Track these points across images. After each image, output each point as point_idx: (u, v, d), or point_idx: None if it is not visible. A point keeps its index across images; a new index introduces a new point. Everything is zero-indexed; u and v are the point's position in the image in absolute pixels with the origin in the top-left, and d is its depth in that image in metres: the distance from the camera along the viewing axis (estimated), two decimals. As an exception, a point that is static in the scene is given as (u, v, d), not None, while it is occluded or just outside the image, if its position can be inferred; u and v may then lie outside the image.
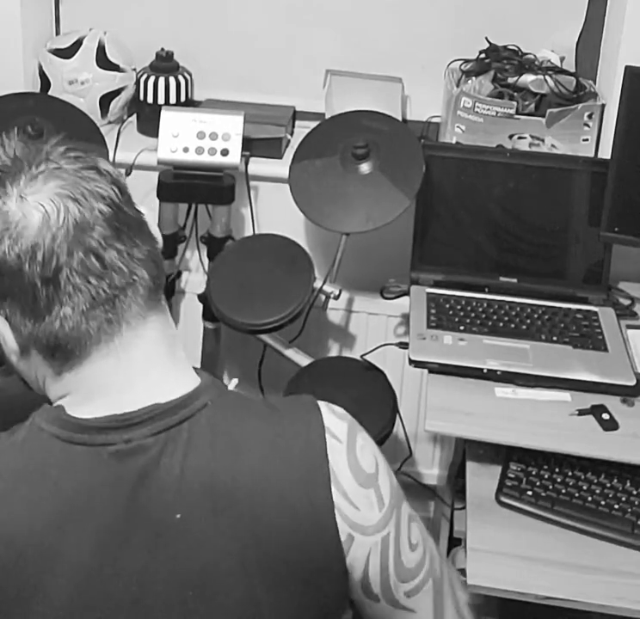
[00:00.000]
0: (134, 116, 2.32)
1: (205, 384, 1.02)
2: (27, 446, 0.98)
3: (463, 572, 1.55)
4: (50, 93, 2.23)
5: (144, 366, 1.00)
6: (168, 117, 2.03)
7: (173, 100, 2.23)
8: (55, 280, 0.94)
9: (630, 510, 1.60)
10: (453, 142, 2.10)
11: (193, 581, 0.96)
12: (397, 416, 1.96)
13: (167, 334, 1.03)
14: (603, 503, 1.62)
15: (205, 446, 0.98)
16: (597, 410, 1.69)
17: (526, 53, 2.17)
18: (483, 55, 2.17)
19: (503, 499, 1.64)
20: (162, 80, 2.23)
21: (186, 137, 2.02)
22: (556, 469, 1.67)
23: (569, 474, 1.66)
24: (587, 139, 2.10)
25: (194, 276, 2.27)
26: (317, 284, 1.98)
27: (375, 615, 1.07)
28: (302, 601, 1.00)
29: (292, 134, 2.29)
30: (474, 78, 2.12)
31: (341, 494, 1.00)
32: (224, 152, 2.02)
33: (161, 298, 1.03)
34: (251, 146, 2.14)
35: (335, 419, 1.04)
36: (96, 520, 0.95)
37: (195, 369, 1.06)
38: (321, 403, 1.05)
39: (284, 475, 0.99)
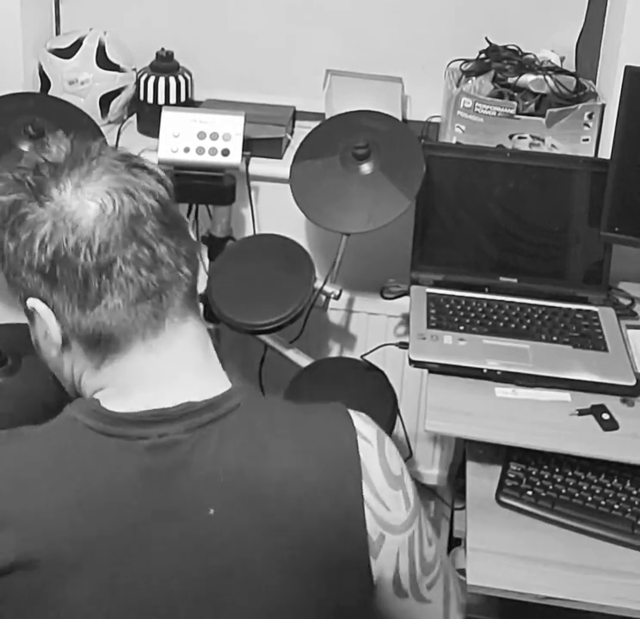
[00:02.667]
0: (134, 116, 2.32)
1: (237, 387, 1.05)
2: (60, 436, 1.00)
3: (463, 572, 1.55)
4: (50, 93, 2.24)
5: (182, 364, 1.02)
6: (168, 117, 2.03)
7: (173, 100, 2.23)
8: (108, 270, 0.97)
9: (630, 510, 1.61)
10: (453, 142, 2.10)
11: (224, 576, 0.98)
12: (397, 416, 1.96)
13: (202, 336, 1.06)
14: (603, 503, 1.62)
15: (237, 445, 0.99)
16: (597, 410, 1.69)
17: (526, 53, 2.17)
18: (483, 55, 2.17)
19: (503, 499, 1.64)
20: (162, 80, 2.23)
21: (186, 137, 2.02)
22: (556, 469, 1.67)
23: (569, 474, 1.67)
24: (587, 139, 2.10)
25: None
26: (318, 284, 1.98)
27: (395, 613, 1.10)
28: (329, 598, 1.02)
29: (292, 134, 2.29)
30: (474, 78, 2.13)
31: (372, 494, 1.02)
32: (225, 152, 2.02)
33: (197, 299, 1.06)
34: (252, 146, 2.14)
35: (364, 424, 1.07)
36: (128, 512, 0.96)
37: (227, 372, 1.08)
38: (349, 409, 1.08)
39: (315, 474, 1.00)
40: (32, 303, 1.01)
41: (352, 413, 1.07)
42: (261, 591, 0.98)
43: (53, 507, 0.95)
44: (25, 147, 1.93)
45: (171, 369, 1.01)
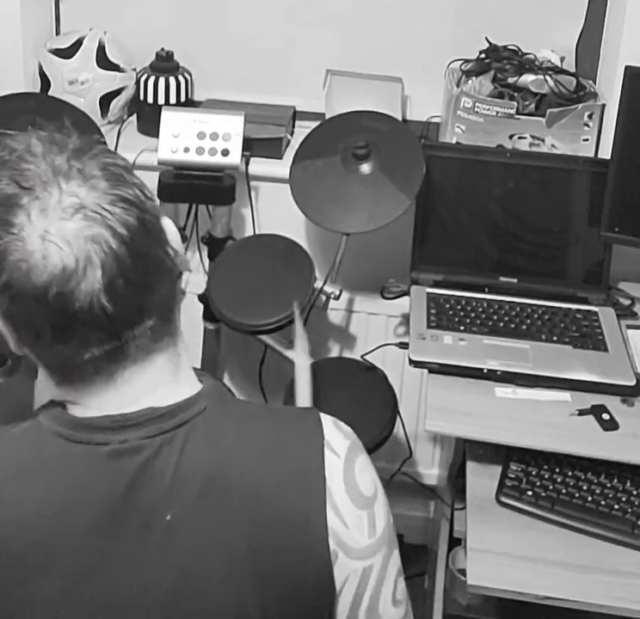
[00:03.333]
0: (134, 116, 2.32)
1: (205, 390, 1.02)
2: (26, 440, 0.99)
3: (463, 572, 1.55)
4: (50, 93, 2.23)
5: (146, 390, 1.00)
6: (168, 117, 2.03)
7: (173, 100, 2.23)
8: (61, 323, 0.92)
9: (630, 510, 1.61)
10: (453, 142, 2.10)
11: (182, 583, 0.96)
12: (397, 416, 1.96)
13: (172, 358, 1.02)
14: (603, 503, 1.62)
15: (200, 449, 0.98)
16: (597, 410, 1.69)
17: (526, 53, 2.17)
18: (483, 55, 2.17)
19: (503, 499, 1.64)
20: (162, 80, 2.23)
21: (186, 137, 2.02)
22: (557, 469, 1.67)
23: (569, 474, 1.67)
24: (587, 139, 2.10)
25: (195, 276, 2.27)
26: (318, 284, 1.98)
27: None
28: (290, 606, 0.99)
29: (292, 134, 2.29)
30: (474, 78, 2.13)
31: (331, 508, 0.98)
32: (225, 152, 2.02)
33: (171, 328, 1.01)
34: (251, 146, 2.14)
35: (337, 434, 1.03)
36: (90, 518, 0.96)
37: (198, 372, 1.06)
38: (326, 417, 1.04)
39: (278, 482, 0.98)
40: None
41: (326, 420, 1.03)
42: (219, 599, 0.97)
43: (16, 512, 0.95)
44: (17, 141, 1.92)
45: (135, 395, 0.99)
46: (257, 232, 2.26)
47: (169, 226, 1.01)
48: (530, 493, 1.63)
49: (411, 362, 1.78)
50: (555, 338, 1.85)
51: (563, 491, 1.64)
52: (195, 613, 0.97)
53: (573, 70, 2.20)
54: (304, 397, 1.74)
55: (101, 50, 2.25)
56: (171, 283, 1.00)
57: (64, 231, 0.91)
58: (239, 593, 0.97)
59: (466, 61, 2.18)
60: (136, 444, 0.97)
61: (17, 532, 0.94)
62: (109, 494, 0.96)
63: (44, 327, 0.93)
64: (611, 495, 1.63)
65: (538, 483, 1.65)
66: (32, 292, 0.91)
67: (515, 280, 2.01)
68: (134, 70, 2.29)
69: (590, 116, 2.08)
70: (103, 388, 0.98)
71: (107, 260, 0.91)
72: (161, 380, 1.01)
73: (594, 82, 2.20)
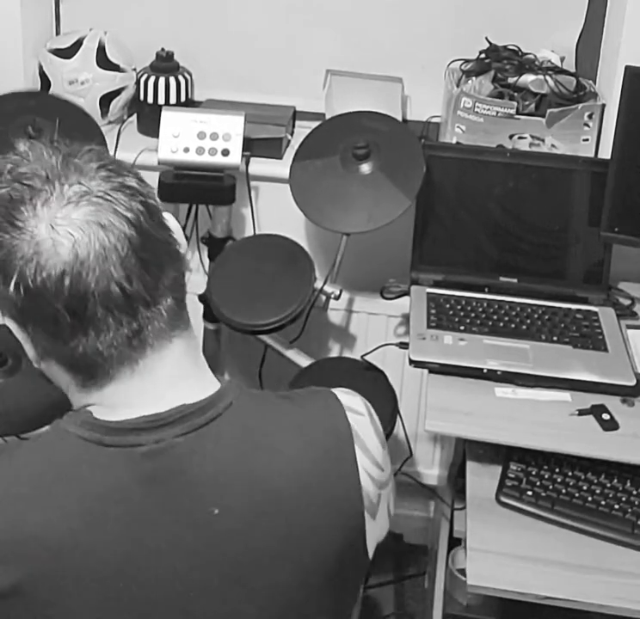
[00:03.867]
0: (134, 116, 2.32)
1: (226, 385, 1.04)
2: (52, 449, 0.98)
3: (463, 572, 1.55)
4: (50, 93, 2.23)
5: (170, 381, 1.00)
6: (168, 117, 2.03)
7: (173, 100, 2.23)
8: (79, 310, 0.93)
9: (630, 510, 1.61)
10: (453, 142, 2.10)
11: (231, 576, 0.98)
12: (397, 416, 1.96)
13: (191, 345, 1.04)
14: (603, 503, 1.62)
15: (235, 443, 0.99)
16: (597, 410, 1.69)
17: (526, 53, 2.17)
18: (483, 55, 2.17)
19: (503, 499, 1.64)
20: (162, 80, 2.23)
21: (186, 137, 2.02)
22: (556, 469, 1.67)
23: (569, 474, 1.67)
24: (587, 139, 2.10)
25: (195, 276, 2.27)
26: (318, 284, 1.98)
27: None
28: (340, 585, 1.04)
29: (292, 134, 2.29)
30: (474, 78, 2.13)
31: (371, 463, 1.05)
32: (225, 152, 2.02)
33: (185, 314, 1.04)
34: (252, 146, 2.14)
35: (349, 397, 1.09)
36: (128, 521, 0.95)
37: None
38: (333, 389, 1.10)
39: (313, 457, 1.02)
40: (8, 323, 0.99)
41: (336, 391, 1.09)
42: (272, 586, 0.99)
43: (53, 523, 0.94)
44: (21, 149, 1.92)
45: (158, 387, 1.00)
46: (257, 232, 2.26)
47: (171, 220, 1.03)
48: (530, 493, 1.64)
49: (411, 362, 1.78)
50: (555, 338, 1.85)
51: (563, 491, 1.64)
52: (244, 604, 0.99)
53: (573, 70, 2.20)
54: None
55: (101, 50, 2.25)
56: (180, 268, 1.02)
57: (71, 218, 0.93)
58: (283, 583, 0.99)
59: (466, 61, 2.18)
60: (171, 442, 0.97)
61: (61, 541, 0.94)
62: (148, 495, 0.96)
63: (62, 318, 0.94)
64: (611, 495, 1.63)
65: (538, 483, 1.65)
66: (47, 283, 0.92)
67: (515, 280, 2.01)
68: (134, 70, 2.29)
69: (590, 116, 2.08)
70: (127, 381, 0.99)
71: (118, 242, 0.94)
72: (182, 371, 1.02)
73: (594, 82, 2.20)
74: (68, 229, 0.93)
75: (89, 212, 0.93)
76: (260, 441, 1.01)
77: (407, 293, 2.01)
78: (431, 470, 2.42)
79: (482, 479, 1.69)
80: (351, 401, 1.08)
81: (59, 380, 1.02)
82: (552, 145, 2.09)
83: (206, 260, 2.19)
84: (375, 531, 1.07)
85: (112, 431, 0.97)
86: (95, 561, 0.94)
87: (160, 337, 0.99)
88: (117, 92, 2.27)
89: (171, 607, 0.97)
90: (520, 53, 2.17)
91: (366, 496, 1.04)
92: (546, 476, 1.66)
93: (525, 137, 2.08)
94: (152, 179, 2.07)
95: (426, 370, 1.78)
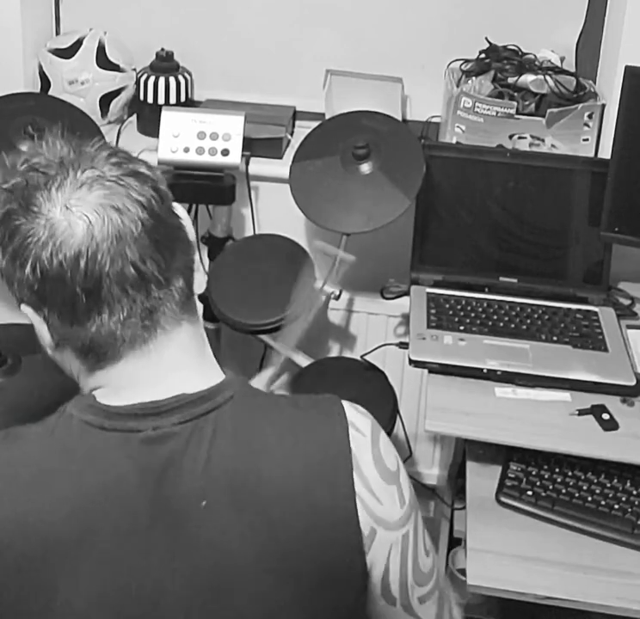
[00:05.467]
0: (134, 116, 2.32)
1: (230, 378, 1.06)
2: (56, 434, 1.00)
3: (463, 572, 1.55)
4: (50, 93, 2.24)
5: (175, 364, 1.02)
6: (168, 117, 2.03)
7: (173, 100, 2.23)
8: (95, 290, 0.96)
9: (630, 510, 1.61)
10: (453, 142, 2.10)
11: (212, 572, 0.98)
12: (397, 416, 1.96)
13: (197, 333, 1.06)
14: (603, 503, 1.62)
15: (229, 438, 1.00)
16: (597, 410, 1.69)
17: (526, 53, 2.17)
18: (483, 55, 2.17)
19: (503, 499, 1.64)
20: (162, 80, 2.23)
21: (186, 137, 2.02)
22: (556, 469, 1.67)
23: (569, 474, 1.67)
24: (587, 139, 2.10)
25: (195, 276, 2.27)
26: (318, 284, 1.98)
27: None
28: (319, 599, 1.01)
29: (292, 134, 2.29)
30: (474, 78, 2.13)
31: (364, 487, 1.01)
32: (225, 152, 2.02)
33: (193, 301, 1.05)
34: (252, 146, 2.14)
35: (358, 415, 1.06)
36: (124, 506, 0.96)
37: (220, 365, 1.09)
38: (343, 401, 1.08)
39: (305, 467, 1.00)
40: (25, 309, 1.01)
41: (346, 404, 1.07)
42: (247, 591, 0.98)
43: (49, 507, 0.95)
44: (25, 147, 1.93)
45: (163, 369, 1.02)
46: (257, 232, 2.26)
47: (179, 209, 1.05)
48: (530, 493, 1.63)
49: (411, 362, 1.78)
50: (555, 338, 1.85)
51: (563, 491, 1.64)
52: (224, 602, 0.98)
53: (573, 70, 2.20)
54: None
55: (101, 50, 2.25)
56: (190, 253, 1.05)
57: (86, 200, 0.96)
58: (265, 584, 0.98)
59: (466, 61, 2.18)
60: (168, 430, 0.98)
61: (52, 528, 0.95)
62: (142, 481, 0.97)
63: (79, 299, 0.96)
64: (611, 495, 1.63)
65: (538, 483, 1.65)
66: (63, 265, 0.95)
67: (515, 280, 2.01)
68: (134, 70, 2.30)
69: (590, 116, 2.08)
70: (135, 362, 1.00)
71: (132, 224, 0.96)
72: (188, 357, 1.03)
73: (594, 82, 2.20)
74: (83, 210, 0.95)
75: (102, 195, 0.96)
76: (253, 441, 1.00)
77: (407, 293, 2.01)
78: (431, 470, 2.42)
79: (482, 479, 1.69)
80: (358, 418, 1.06)
81: (71, 366, 1.04)
82: (552, 145, 2.09)
83: (207, 260, 2.19)
84: (372, 565, 1.03)
85: (113, 415, 0.99)
86: (88, 548, 0.95)
87: (171, 319, 1.01)
88: (117, 92, 2.27)
89: (159, 596, 0.97)
90: (520, 53, 2.17)
91: (363, 523, 1.01)
92: (546, 476, 1.66)
93: (525, 137, 2.08)
94: (152, 179, 2.07)
95: (426, 370, 1.78)
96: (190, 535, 0.97)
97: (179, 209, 1.05)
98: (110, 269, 0.95)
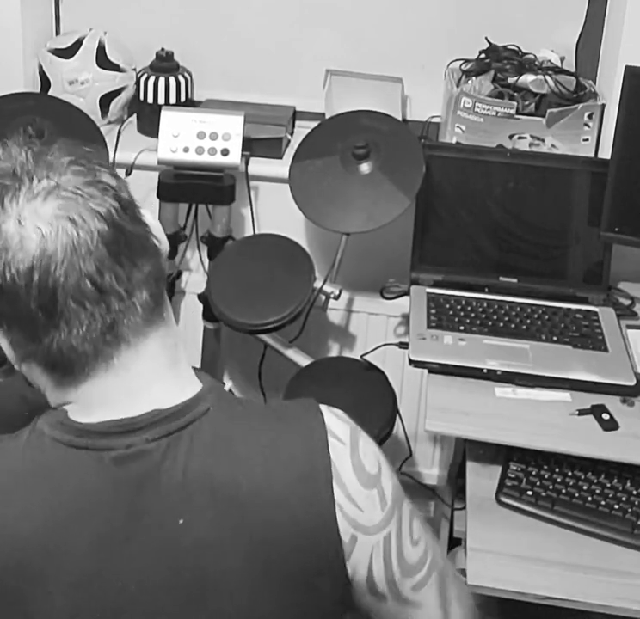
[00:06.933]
0: (134, 116, 2.32)
1: (205, 390, 1.02)
2: (29, 449, 0.98)
3: (463, 572, 1.55)
4: (50, 93, 2.23)
5: (146, 379, 0.99)
6: (168, 117, 2.03)
7: (173, 100, 2.23)
8: (51, 304, 0.92)
9: (630, 510, 1.61)
10: (453, 142, 2.10)
11: (195, 585, 0.96)
12: (397, 416, 1.96)
13: (167, 345, 1.01)
14: (603, 503, 1.62)
15: (207, 451, 0.98)
16: (597, 410, 1.69)
17: (526, 53, 2.17)
18: (483, 55, 2.17)
19: (503, 499, 1.64)
20: (162, 80, 2.23)
21: (186, 137, 2.02)
22: (556, 469, 1.67)
23: (569, 474, 1.66)
24: (587, 139, 2.10)
25: (195, 276, 2.27)
26: (318, 284, 1.98)
27: (385, 615, 1.08)
28: (303, 604, 1.00)
29: (292, 134, 2.29)
30: (474, 78, 2.13)
31: (344, 495, 1.00)
32: (225, 152, 2.02)
33: (162, 311, 1.01)
34: (251, 146, 2.14)
35: (337, 422, 1.04)
36: (97, 524, 0.95)
37: (197, 371, 1.05)
38: (322, 406, 1.05)
39: (285, 477, 0.99)
40: None
41: (324, 410, 1.04)
42: (236, 600, 0.97)
43: (21, 521, 0.94)
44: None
45: (134, 386, 0.99)
46: (257, 232, 2.26)
47: (148, 215, 1.01)
48: (530, 493, 1.63)
49: (411, 362, 1.78)
50: (555, 338, 1.85)
51: (563, 491, 1.63)
52: (209, 615, 0.97)
53: (573, 70, 2.20)
54: None
55: (101, 50, 2.25)
56: (157, 263, 1.00)
57: (39, 213, 0.92)
58: (251, 593, 0.97)
59: (466, 61, 2.18)
60: (142, 447, 0.96)
61: (28, 542, 0.94)
62: (117, 500, 0.95)
63: (35, 314, 0.93)
64: (611, 495, 1.63)
65: (538, 483, 1.65)
66: (16, 279, 0.91)
67: (515, 280, 2.01)
68: (134, 70, 2.29)
69: (590, 116, 2.08)
70: (103, 378, 0.97)
71: (88, 236, 0.92)
72: (159, 370, 1.00)
73: (594, 82, 2.20)
74: (36, 223, 0.91)
75: (58, 207, 0.92)
76: (231, 452, 0.98)
77: (407, 293, 2.01)
78: (431, 470, 2.42)
79: (482, 479, 1.69)
80: (337, 425, 1.03)
81: (38, 381, 1.01)
82: (552, 145, 2.09)
83: (206, 260, 2.19)
84: (351, 573, 1.02)
85: (84, 433, 0.97)
86: (60, 563, 0.94)
87: (135, 332, 0.97)
88: (117, 92, 2.27)
89: (135, 613, 0.96)
90: (520, 53, 2.17)
91: (343, 531, 0.99)
92: (546, 476, 1.66)
93: (525, 137, 2.08)
94: (152, 179, 2.08)
95: (426, 370, 1.78)
96: (169, 547, 0.96)
97: (147, 216, 1.00)
98: (65, 283, 0.91)
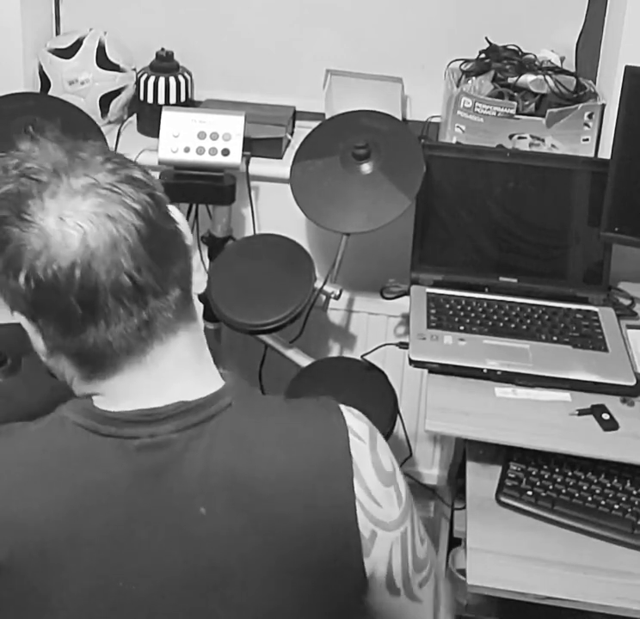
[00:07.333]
0: (134, 116, 2.32)
1: (229, 385, 1.04)
2: (50, 434, 0.99)
3: (463, 572, 1.55)
4: (50, 93, 2.24)
5: (174, 373, 1.01)
6: (168, 117, 2.03)
7: (173, 100, 2.23)
8: (90, 301, 0.94)
9: (630, 510, 1.61)
10: (453, 142, 2.10)
11: (210, 574, 0.97)
12: (397, 416, 1.96)
13: (196, 339, 1.04)
14: (603, 503, 1.62)
15: (228, 444, 0.99)
16: (597, 410, 1.69)
17: (526, 53, 2.17)
18: (483, 55, 2.17)
19: (503, 499, 1.64)
20: (162, 80, 2.23)
21: (186, 137, 2.02)
22: (556, 469, 1.67)
23: (569, 474, 1.67)
24: (587, 139, 2.10)
25: (195, 276, 2.26)
26: (318, 284, 1.98)
27: (389, 611, 1.10)
28: (317, 598, 1.01)
29: (292, 134, 2.29)
30: (474, 78, 2.13)
31: (364, 491, 1.01)
32: (225, 152, 2.02)
33: (191, 307, 1.04)
34: (252, 146, 2.14)
35: (356, 420, 1.06)
36: (116, 511, 0.96)
37: (222, 371, 1.08)
38: (341, 405, 1.07)
39: (305, 472, 1.00)
40: (18, 317, 0.99)
41: (343, 409, 1.06)
42: (249, 591, 0.98)
43: (41, 506, 0.95)
44: (25, 147, 1.93)
45: (162, 379, 1.00)
46: (257, 232, 2.26)
47: (175, 212, 1.03)
48: (530, 493, 1.63)
49: (411, 362, 1.78)
50: (555, 338, 1.85)
51: (563, 491, 1.64)
52: (225, 604, 0.98)
53: (573, 70, 2.20)
54: None
55: (101, 50, 2.25)
56: (187, 259, 1.03)
57: (79, 210, 0.93)
58: (268, 585, 0.98)
59: (466, 61, 2.18)
60: (165, 438, 0.97)
61: (46, 528, 0.94)
62: (138, 487, 0.96)
63: (74, 310, 0.94)
64: (611, 495, 1.63)
65: (538, 483, 1.65)
66: (58, 276, 0.93)
67: (515, 280, 2.01)
68: (134, 70, 2.30)
69: (590, 116, 2.08)
70: (132, 373, 0.99)
71: (127, 233, 0.94)
72: (186, 365, 1.02)
73: (594, 82, 2.20)
74: (77, 220, 0.93)
75: (97, 204, 0.94)
76: (252, 447, 1.00)
77: (407, 293, 2.01)
78: (431, 470, 2.42)
79: (482, 479, 1.69)
80: (356, 424, 1.05)
81: (65, 374, 1.03)
82: (552, 145, 2.09)
83: (206, 260, 2.19)
84: (370, 570, 1.03)
85: (109, 420, 0.98)
86: (78, 550, 0.95)
87: (168, 329, 0.99)
88: (117, 92, 2.27)
89: (149, 599, 0.97)
90: (520, 53, 2.17)
91: (363, 527, 1.01)
92: (546, 476, 1.66)
93: (525, 137, 2.08)
94: (152, 179, 2.07)
95: (426, 370, 1.78)
96: (187, 537, 0.97)
97: (176, 213, 1.02)
98: (106, 280, 0.93)
